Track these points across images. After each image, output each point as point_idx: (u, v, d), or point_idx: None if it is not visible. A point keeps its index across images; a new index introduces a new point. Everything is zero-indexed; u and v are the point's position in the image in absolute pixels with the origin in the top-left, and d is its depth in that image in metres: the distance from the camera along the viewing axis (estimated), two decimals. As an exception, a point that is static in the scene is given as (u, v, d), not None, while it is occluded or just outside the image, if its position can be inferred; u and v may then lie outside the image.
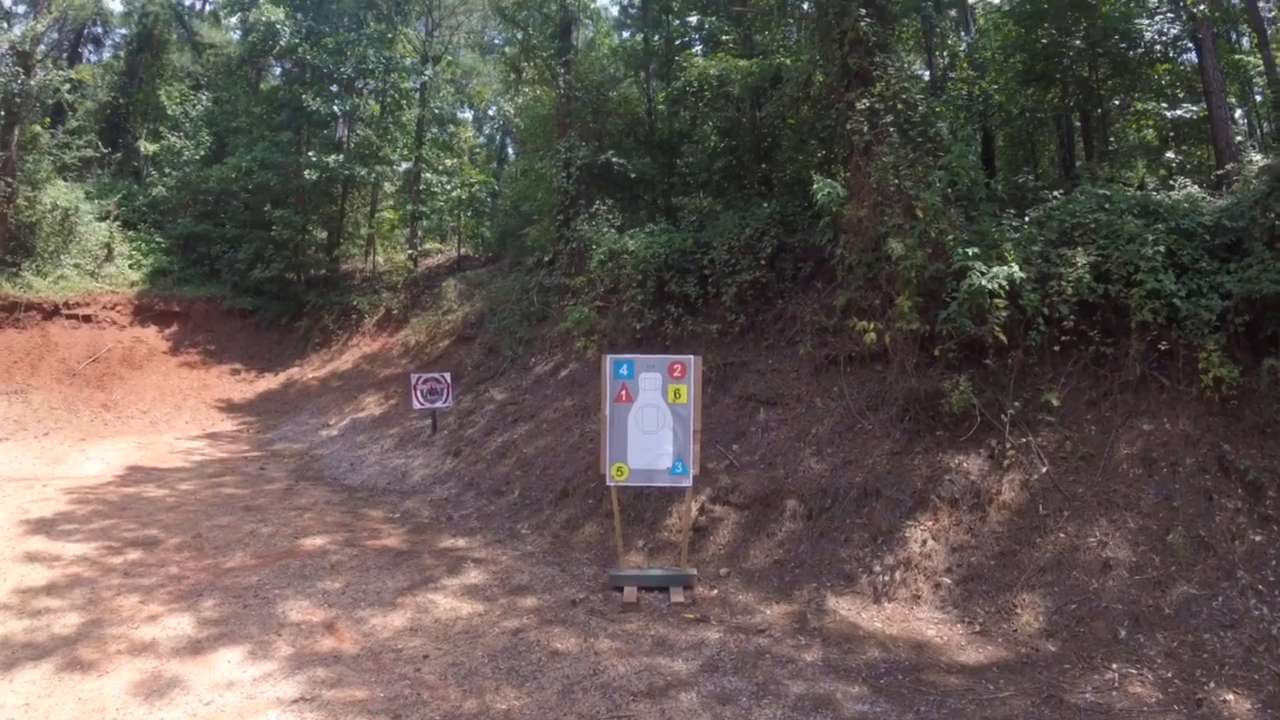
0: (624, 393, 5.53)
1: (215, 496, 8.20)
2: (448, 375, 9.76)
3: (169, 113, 20.95)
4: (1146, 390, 5.67)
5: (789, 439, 6.94)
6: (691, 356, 5.57)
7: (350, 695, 4.04)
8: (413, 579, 5.82)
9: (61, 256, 16.83)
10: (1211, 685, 4.00)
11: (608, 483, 5.53)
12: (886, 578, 5.37)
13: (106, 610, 4.94)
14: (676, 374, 5.51)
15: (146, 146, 20.29)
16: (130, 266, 18.03)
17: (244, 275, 17.91)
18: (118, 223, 18.43)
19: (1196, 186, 6.65)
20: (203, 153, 19.83)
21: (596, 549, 6.52)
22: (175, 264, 18.67)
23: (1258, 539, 4.75)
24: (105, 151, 20.45)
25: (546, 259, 12.08)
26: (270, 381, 16.08)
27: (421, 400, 9.44)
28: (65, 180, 18.24)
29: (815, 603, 5.30)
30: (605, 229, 10.33)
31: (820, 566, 5.67)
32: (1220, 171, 7.46)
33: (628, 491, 5.88)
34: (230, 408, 14.64)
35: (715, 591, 5.60)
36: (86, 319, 15.96)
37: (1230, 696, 3.90)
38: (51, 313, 15.56)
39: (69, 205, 16.89)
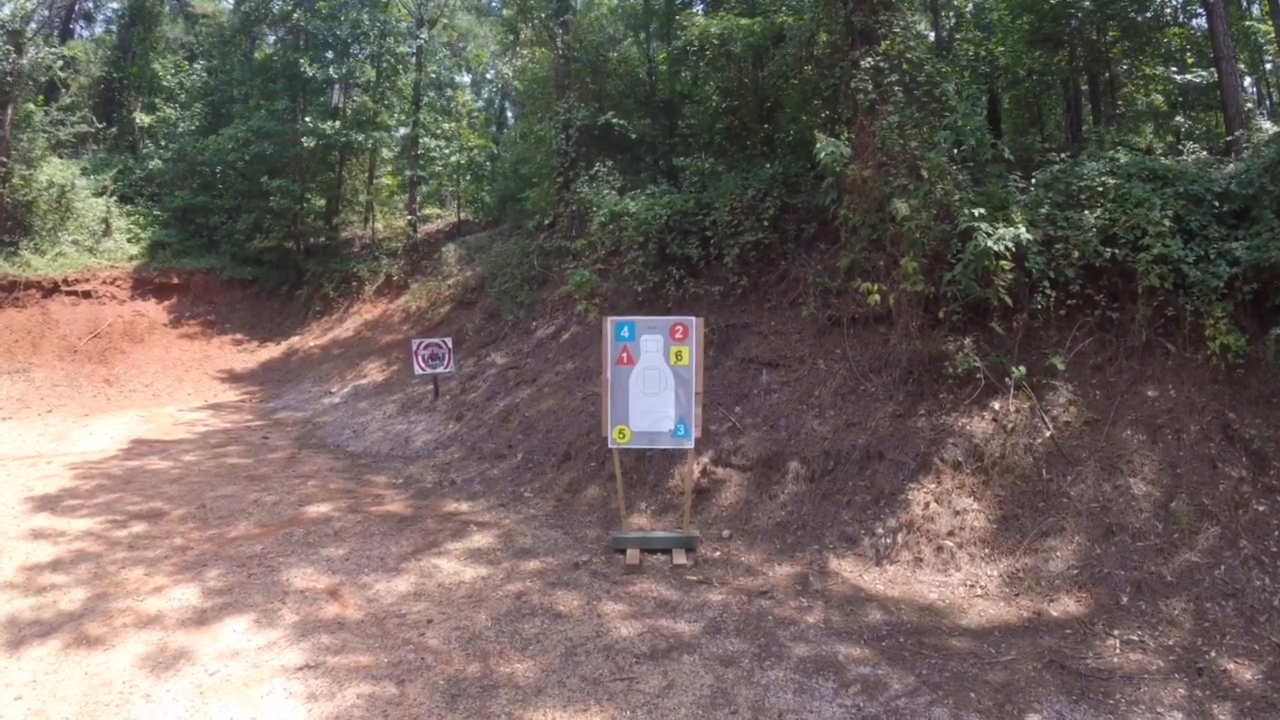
0: (625, 355, 5.48)
1: (219, 467, 8.20)
2: (449, 340, 9.71)
3: (164, 85, 20.72)
4: (1152, 356, 5.61)
5: (791, 401, 6.90)
6: (693, 318, 5.50)
7: (355, 661, 4.06)
8: (416, 544, 5.83)
9: (59, 233, 16.77)
10: (1213, 654, 4.00)
11: (609, 445, 5.51)
12: (889, 540, 5.37)
13: (112, 584, 4.95)
14: (678, 336, 5.45)
15: (142, 119, 20.08)
16: (128, 241, 17.97)
17: (243, 245, 17.85)
18: (114, 197, 18.33)
19: (1205, 152, 6.52)
20: (198, 124, 19.64)
21: (599, 512, 6.52)
22: (173, 236, 18.59)
23: (1261, 509, 4.73)
24: (100, 126, 20.27)
25: (546, 222, 11.96)
26: (272, 351, 16.07)
27: (423, 366, 9.40)
28: (60, 157, 18.15)
29: (818, 564, 5.30)
30: (605, 191, 10.21)
31: (823, 528, 5.66)
32: (1229, 138, 7.33)
33: (630, 454, 5.87)
34: (232, 378, 14.65)
35: (718, 553, 5.61)
36: (86, 295, 15.94)
37: (1231, 666, 3.89)
38: (51, 290, 15.55)
39: (65, 182, 16.80)
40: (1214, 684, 3.76)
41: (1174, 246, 5.44)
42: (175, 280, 17.41)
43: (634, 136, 11.79)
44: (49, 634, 4.27)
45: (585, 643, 4.26)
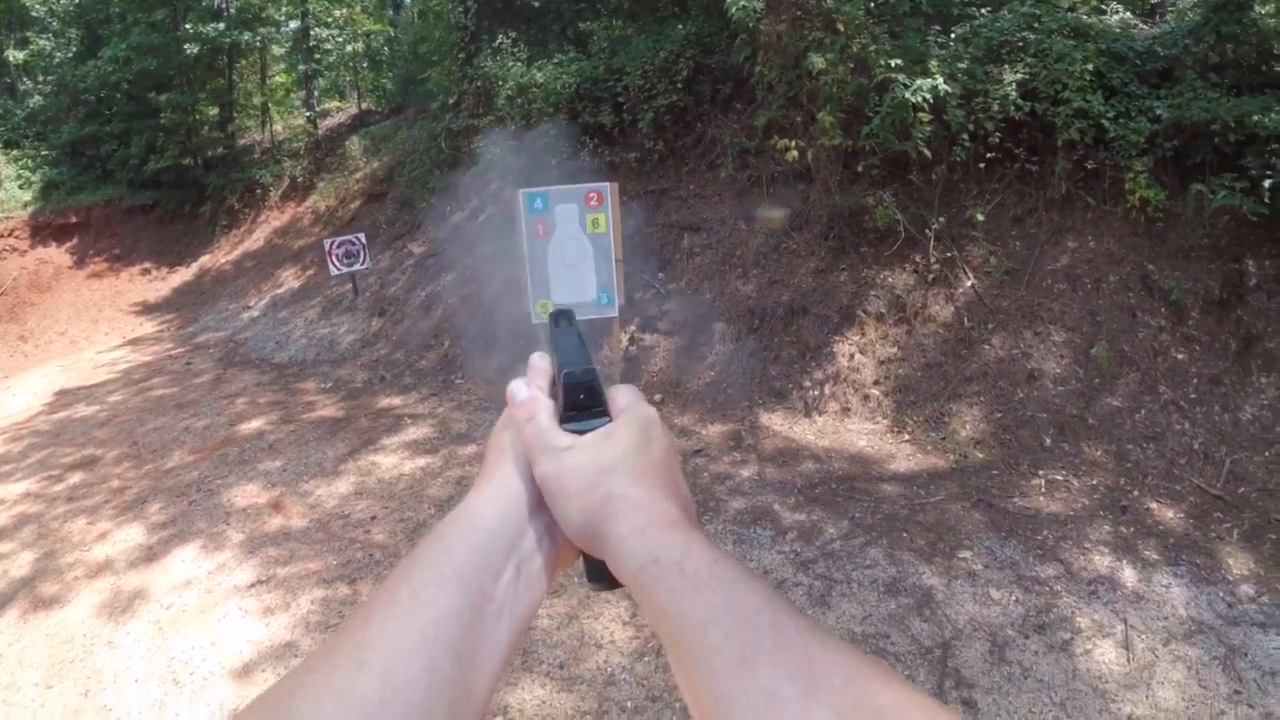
0: (540, 227, 5.32)
1: (145, 401, 7.94)
2: (362, 236, 9.29)
3: (34, 16, 18.60)
4: (1072, 209, 5.68)
5: (714, 263, 6.90)
6: (607, 184, 5.31)
7: (305, 569, 4.09)
8: (352, 444, 5.80)
9: None
10: (1136, 494, 4.22)
11: (533, 321, 5.42)
12: (816, 392, 5.53)
13: (58, 540, 4.83)
14: (593, 203, 5.29)
15: (15, 56, 18.12)
16: (20, 187, 16.64)
17: (139, 170, 16.63)
18: None
19: (1130, 13, 6.42)
20: (76, 51, 17.84)
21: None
22: (66, 174, 17.22)
23: (1180, 357, 4.91)
24: None
25: (451, 102, 11.31)
26: (183, 274, 15.33)
27: (338, 265, 9.02)
28: (-69, 112, 16.44)
29: (749, 421, 5.46)
30: (511, 63, 9.65)
31: (752, 385, 5.79)
32: (1155, 0, 7.22)
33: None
34: (147, 309, 14.01)
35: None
36: None
37: (1154, 505, 4.11)
38: None
39: (-58, 139, 15.26)
40: (1138, 522, 3.98)
41: (1094, 102, 5.43)
42: (74, 219, 16.29)
43: (537, 4, 11.06)
44: (4, 604, 4.18)
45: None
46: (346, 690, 0.42)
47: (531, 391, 0.60)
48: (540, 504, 0.55)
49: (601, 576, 0.54)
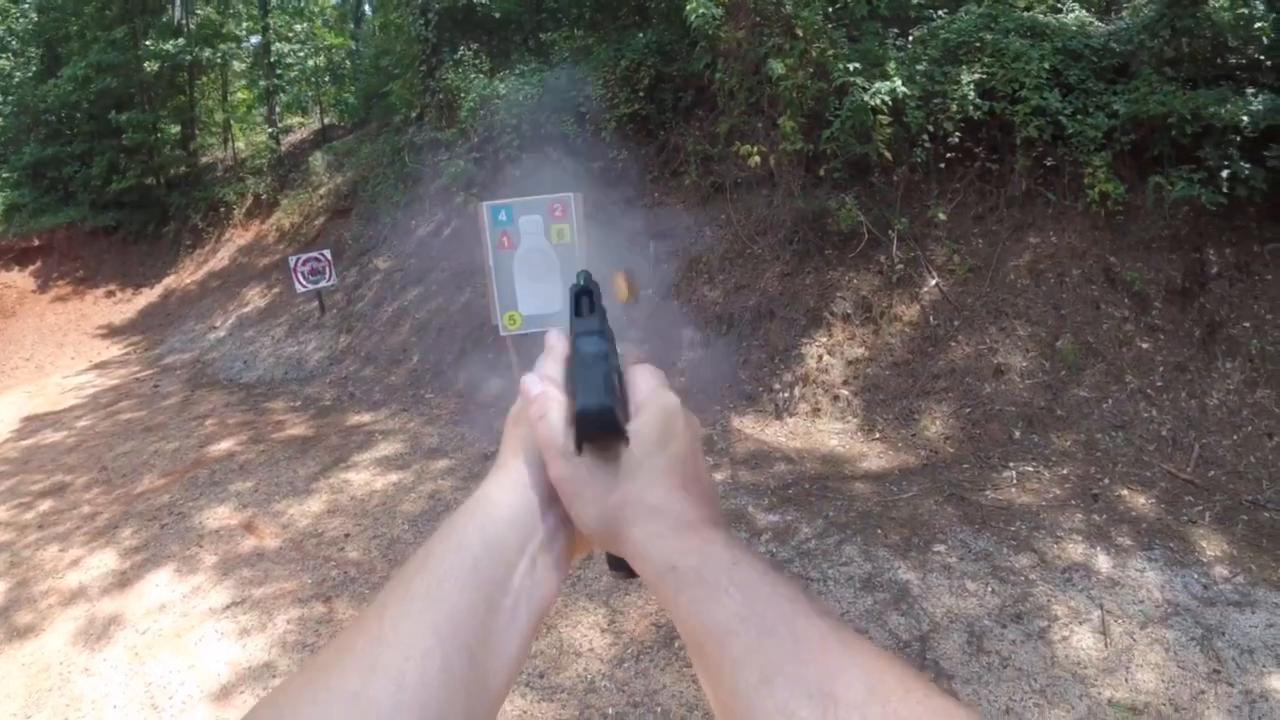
0: (505, 239, 5.31)
1: (114, 425, 7.81)
2: (327, 252, 9.20)
3: None
4: (1033, 205, 5.79)
5: (681, 270, 6.95)
6: (571, 194, 5.32)
7: (280, 589, 4.06)
8: (324, 462, 5.76)
9: None
10: (1106, 482, 4.29)
11: (501, 333, 5.41)
12: (786, 394, 5.59)
13: (30, 569, 4.74)
14: (557, 214, 5.29)
15: None
16: None
17: (101, 191, 16.32)
18: None
19: (1085, 10, 6.57)
20: (35, 70, 17.49)
21: (502, 402, 6.44)
22: (27, 196, 16.89)
23: (1144, 346, 5.01)
24: None
25: (414, 115, 11.27)
26: (148, 295, 15.08)
27: (304, 282, 8.92)
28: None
29: (721, 424, 5.50)
30: (473, 75, 9.66)
31: (722, 390, 5.85)
32: None
33: (526, 340, 5.78)
34: (113, 332, 13.77)
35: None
36: None
37: (1125, 492, 4.18)
38: None
39: (-98, 163, 14.88)
40: (1110, 509, 4.04)
41: (1052, 99, 5.55)
42: (37, 243, 15.97)
43: (498, 15, 11.08)
44: None
45: (503, 532, 4.36)
46: (358, 694, 0.41)
47: (544, 386, 0.56)
48: (554, 495, 0.53)
49: (622, 565, 0.53)
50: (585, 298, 0.60)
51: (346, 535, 4.54)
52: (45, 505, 5.80)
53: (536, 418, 0.54)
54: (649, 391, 0.56)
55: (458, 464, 5.42)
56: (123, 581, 4.39)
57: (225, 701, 3.31)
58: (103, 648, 3.79)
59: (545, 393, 0.55)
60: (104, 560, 4.68)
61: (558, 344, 0.60)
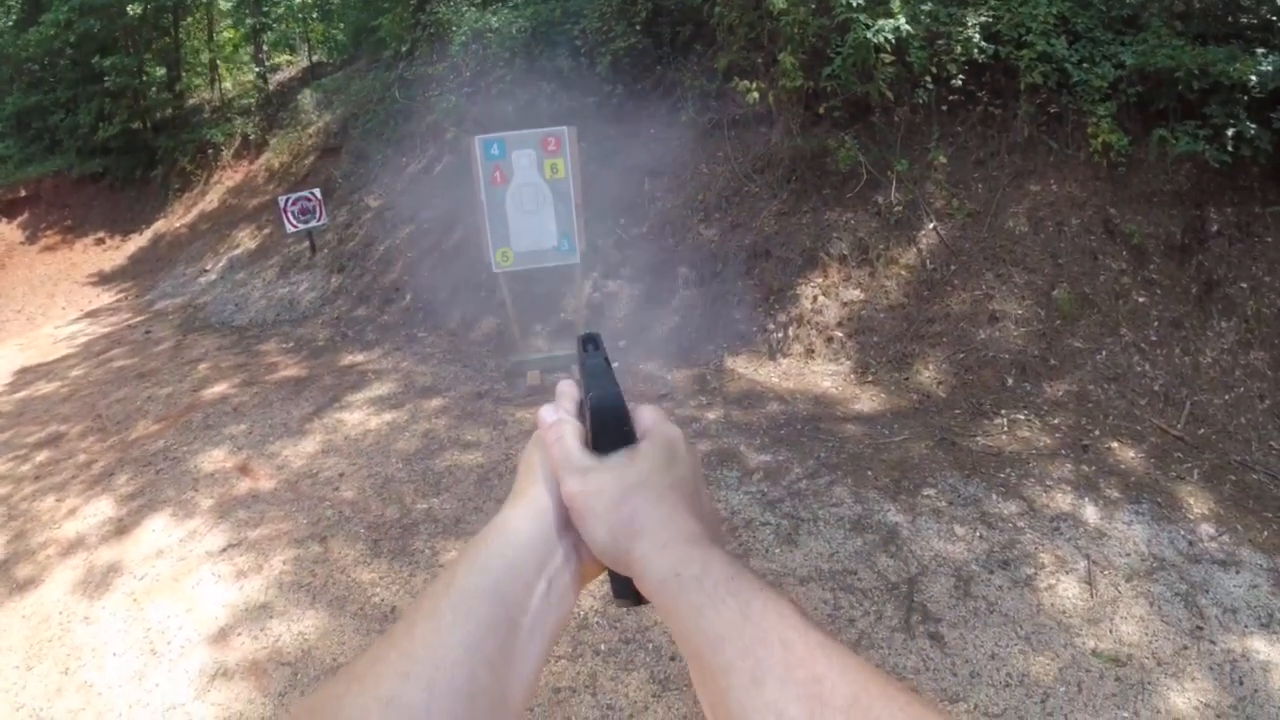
0: (498, 174, 5.20)
1: (107, 373, 7.78)
2: (317, 191, 9.04)
3: None
4: (1034, 152, 5.66)
5: (676, 207, 6.83)
6: (564, 128, 5.19)
7: (275, 530, 4.08)
8: (317, 403, 5.75)
9: None
10: (1097, 433, 4.26)
11: (494, 269, 5.34)
12: (780, 335, 5.55)
13: (28, 521, 4.75)
14: (551, 148, 5.17)
15: None
16: None
17: (88, 138, 15.95)
18: None
19: None
20: (16, 18, 16.93)
21: (496, 340, 6.51)
22: (12, 147, 16.55)
23: (1141, 300, 4.95)
24: None
25: (404, 50, 10.98)
26: (138, 241, 14.91)
27: (294, 222, 8.78)
28: None
29: (714, 364, 5.48)
30: (464, 8, 9.36)
31: (716, 330, 5.80)
32: None
33: (519, 277, 5.70)
34: (103, 279, 13.66)
35: (617, 363, 5.69)
36: None
37: (1115, 445, 4.16)
38: None
39: (-119, 121, 14.46)
40: (1099, 461, 4.03)
41: (1058, 45, 5.39)
42: (23, 193, 15.68)
43: (489, -54, 10.68)
44: None
45: (496, 467, 4.38)
46: (394, 699, 0.45)
47: (559, 414, 0.62)
48: (568, 522, 0.57)
49: (626, 592, 0.56)
50: (591, 344, 0.67)
51: (341, 475, 4.54)
52: (41, 456, 5.81)
53: (553, 441, 0.60)
54: (653, 422, 0.61)
55: (451, 403, 5.40)
56: (120, 529, 4.40)
57: (223, 644, 3.35)
58: (102, 596, 3.81)
59: (561, 420, 0.61)
60: (101, 508, 4.69)
61: (569, 389, 0.66)
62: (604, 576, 0.60)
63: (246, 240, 11.77)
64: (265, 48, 17.54)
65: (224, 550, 3.98)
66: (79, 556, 4.22)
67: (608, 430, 0.59)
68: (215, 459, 5.04)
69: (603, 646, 3.09)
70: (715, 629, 0.46)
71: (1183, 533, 3.53)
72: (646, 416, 0.62)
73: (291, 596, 3.59)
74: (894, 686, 0.42)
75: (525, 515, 0.57)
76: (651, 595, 0.52)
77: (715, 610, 0.47)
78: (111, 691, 3.19)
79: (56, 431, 6.32)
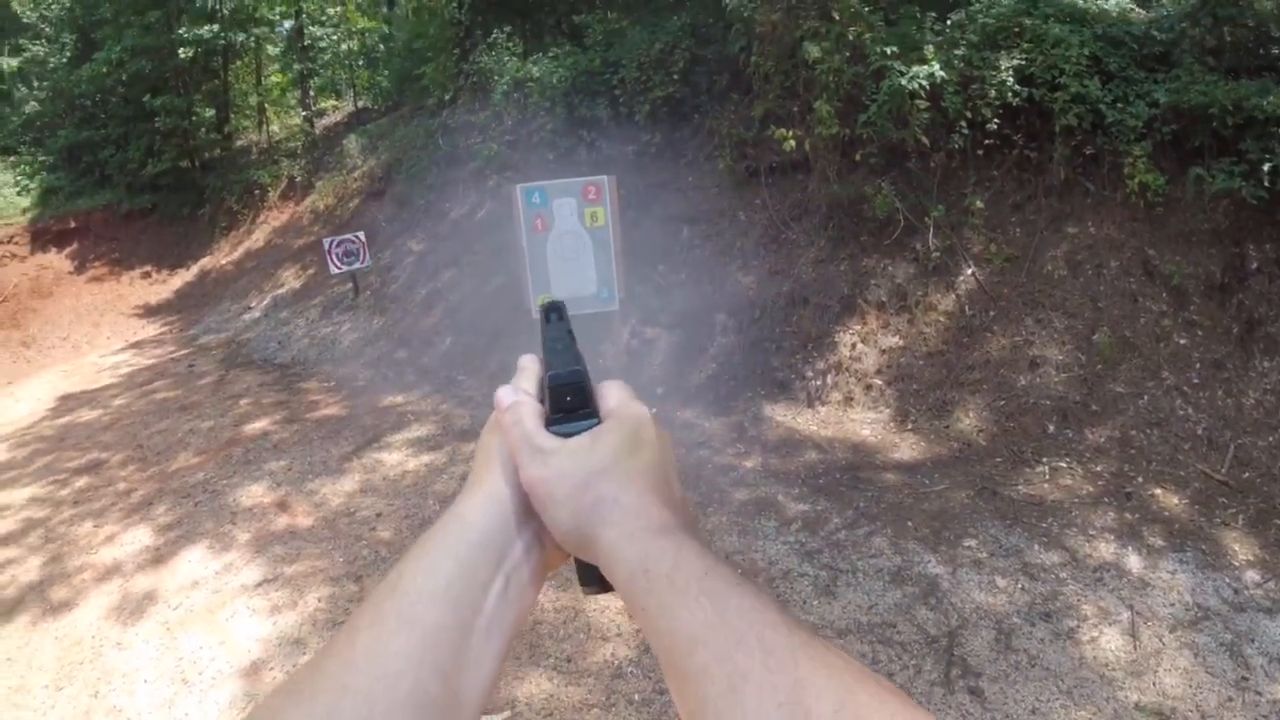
0: (539, 222, 5.31)
1: (149, 404, 7.95)
2: (361, 234, 9.27)
3: (25, 22, 18.55)
4: (1071, 195, 5.65)
5: (714, 255, 6.88)
6: (605, 177, 5.30)
7: (311, 566, 4.11)
8: (357, 442, 5.81)
9: None
10: (1140, 480, 4.19)
11: (533, 315, 5.43)
12: (819, 382, 5.53)
13: (65, 544, 4.83)
14: (591, 196, 5.27)
15: (8, 64, 18.08)
16: (18, 194, 16.57)
17: (137, 174, 16.58)
18: None
19: None
20: (70, 55, 17.77)
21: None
22: (64, 180, 17.13)
23: (1182, 342, 4.88)
24: None
25: (447, 98, 11.30)
26: (184, 276, 15.35)
27: (338, 264, 9.00)
28: (-72, 125, 16.43)
29: (752, 412, 5.45)
30: (506, 58, 9.65)
31: (753, 377, 5.79)
32: None
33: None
34: (149, 312, 14.03)
35: (655, 410, 5.66)
36: None
37: (1159, 491, 4.08)
38: None
39: (-61, 151, 15.21)
40: (1143, 508, 3.95)
41: (1092, 87, 5.42)
42: (73, 224, 16.21)
43: (531, -2, 11.06)
44: (14, 611, 4.16)
45: (532, 511, 4.37)
46: (329, 715, 0.42)
47: (518, 395, 0.58)
48: (529, 510, 0.54)
49: (593, 579, 0.53)
50: (554, 313, 0.64)
51: (379, 514, 4.58)
52: (81, 482, 5.90)
53: (511, 424, 0.56)
54: (619, 402, 0.57)
55: (489, 446, 5.43)
56: (157, 558, 4.45)
57: (255, 677, 3.36)
58: (135, 623, 3.85)
59: (519, 400, 0.57)
60: (139, 536, 4.75)
61: (530, 365, 0.62)
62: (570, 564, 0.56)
63: (291, 280, 12.06)
64: (312, 93, 18.16)
65: (259, 585, 4.01)
66: (114, 583, 4.26)
67: (567, 406, 0.55)
68: (254, 494, 5.11)
69: (636, 696, 3.05)
70: (688, 630, 0.42)
71: (1228, 580, 3.43)
72: (612, 395, 0.58)
73: (325, 634, 3.59)
74: (885, 690, 0.39)
75: (481, 506, 0.53)
76: (619, 590, 0.48)
77: (688, 609, 0.43)
78: (140, 718, 3.20)
79: (97, 459, 6.43)
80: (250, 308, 11.74)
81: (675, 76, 7.87)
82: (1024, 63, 5.71)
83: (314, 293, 10.93)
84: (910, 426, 5.04)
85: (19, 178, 17.06)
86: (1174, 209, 5.29)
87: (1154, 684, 2.92)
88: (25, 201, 16.62)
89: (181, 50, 15.40)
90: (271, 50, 18.94)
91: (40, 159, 17.50)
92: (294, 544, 4.36)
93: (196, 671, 3.43)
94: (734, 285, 6.49)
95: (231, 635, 3.64)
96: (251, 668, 3.42)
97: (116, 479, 5.85)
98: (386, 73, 18.36)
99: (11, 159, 17.32)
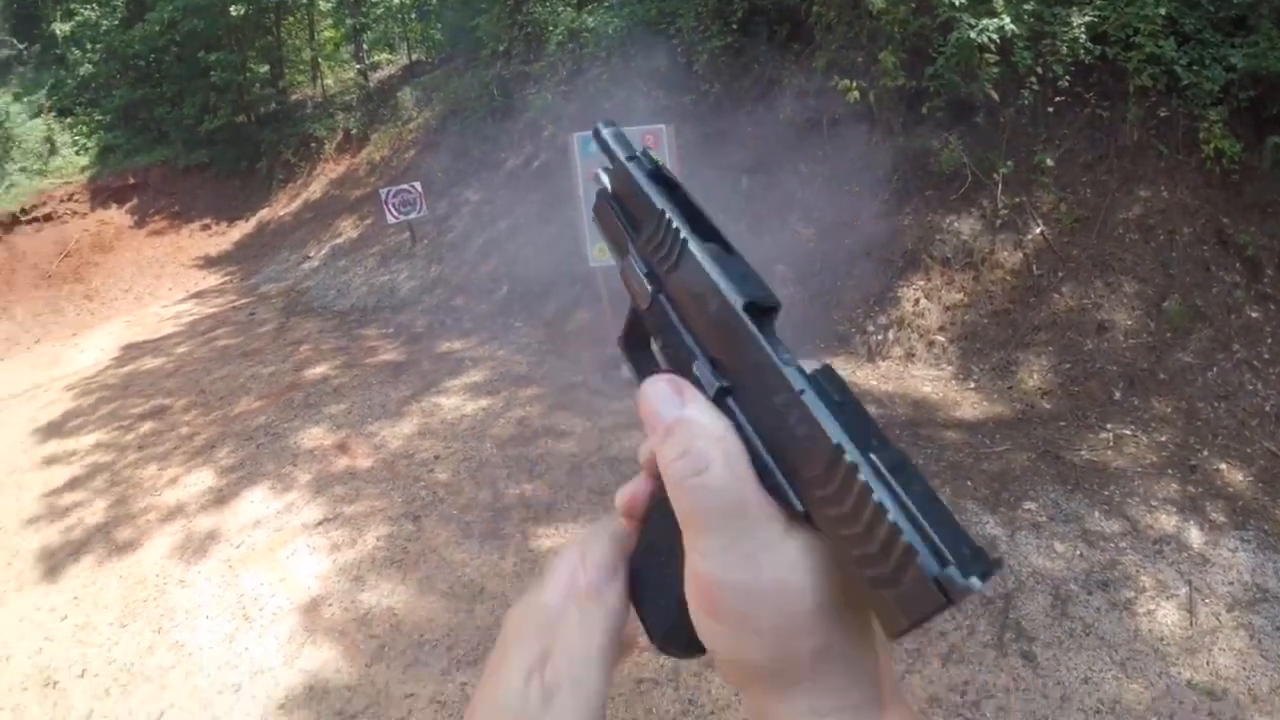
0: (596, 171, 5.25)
1: (211, 351, 8.16)
2: (418, 184, 9.33)
3: None
4: (1144, 157, 5.40)
5: (774, 206, 6.75)
6: (663, 125, 5.22)
7: (370, 506, 4.20)
8: (415, 387, 5.90)
9: (5, 165, 15.88)
10: (1205, 453, 4.04)
11: (590, 264, 5.40)
12: (880, 337, 5.42)
13: (130, 487, 5.00)
14: (649, 145, 5.19)
15: (62, 28, 18.47)
16: (77, 153, 17.04)
17: (193, 130, 16.91)
18: (53, 114, 17.30)
19: None
20: (121, 17, 18.05)
21: (590, 333, 6.54)
22: (121, 138, 17.58)
23: (1254, 315, 4.68)
24: (21, 47, 18.89)
25: (501, 49, 11.21)
26: (243, 228, 15.67)
27: (395, 214, 9.08)
28: (-13, 88, 16.98)
29: (810, 365, 5.37)
30: (561, 8, 9.52)
31: (813, 329, 5.70)
32: None
33: (614, 273, 5.77)
34: (209, 263, 14.39)
35: None
36: (48, 218, 15.26)
37: (1224, 466, 3.94)
38: (11, 224, 14.85)
39: (-1, 113, 15.68)
40: (1206, 482, 3.82)
41: (1167, 47, 5.17)
42: (132, 181, 16.63)
43: (586, -54, 10.82)
44: (81, 551, 4.34)
45: (589, 456, 4.40)
46: None
47: (689, 404, 0.38)
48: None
49: (678, 640, 0.41)
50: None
51: (436, 457, 4.65)
52: (145, 427, 6.10)
53: (690, 473, 0.35)
54: None
55: (545, 392, 5.48)
56: (219, 499, 4.59)
57: (314, 613, 3.46)
58: (198, 561, 3.98)
59: (718, 421, 0.37)
60: (201, 478, 4.90)
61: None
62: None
63: (349, 230, 12.21)
64: (365, 46, 18.21)
65: (319, 524, 4.12)
66: (178, 523, 4.42)
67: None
68: (314, 436, 5.22)
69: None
70: None
71: (1289, 563, 3.31)
72: None
73: (383, 572, 3.68)
74: None
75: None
76: None
77: None
78: (202, 652, 3.32)
79: (161, 405, 6.64)
80: (309, 257, 11.94)
81: (734, 26, 7.68)
82: (1097, 19, 5.47)
83: (371, 242, 11.06)
84: (973, 385, 4.92)
85: (77, 137, 17.51)
86: (1250, 177, 5.04)
87: (1208, 663, 2.84)
88: (84, 160, 17.07)
89: (234, 7, 15.55)
90: (324, 5, 18.99)
91: (97, 119, 17.91)
92: (353, 484, 4.46)
93: (257, 608, 3.55)
94: (794, 237, 6.37)
95: (292, 572, 3.75)
96: (311, 604, 3.52)
97: (180, 423, 6.03)
98: (440, 25, 18.26)
99: (69, 120, 17.75)
